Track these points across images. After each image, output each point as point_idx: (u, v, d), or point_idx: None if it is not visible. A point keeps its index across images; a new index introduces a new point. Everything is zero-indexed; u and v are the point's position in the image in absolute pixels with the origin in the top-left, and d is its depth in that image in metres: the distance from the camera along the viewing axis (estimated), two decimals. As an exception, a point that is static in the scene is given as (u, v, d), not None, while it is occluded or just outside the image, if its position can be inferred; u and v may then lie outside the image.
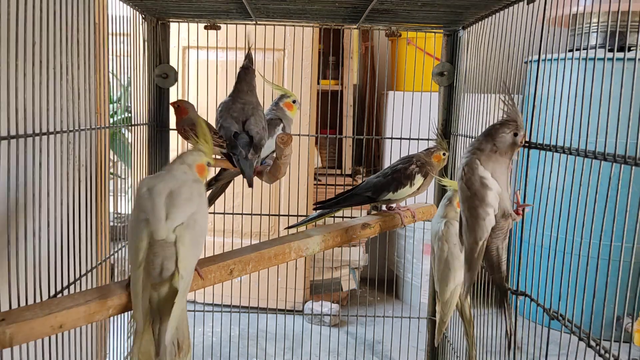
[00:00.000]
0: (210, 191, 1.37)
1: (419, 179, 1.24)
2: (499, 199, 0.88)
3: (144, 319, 0.74)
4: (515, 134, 0.89)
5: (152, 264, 0.75)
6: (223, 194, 1.45)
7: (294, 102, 1.29)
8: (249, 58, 1.20)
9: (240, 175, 1.27)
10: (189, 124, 1.25)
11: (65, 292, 0.97)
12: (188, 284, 0.77)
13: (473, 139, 1.25)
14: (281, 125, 1.27)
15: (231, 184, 1.51)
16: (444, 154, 1.30)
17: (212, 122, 1.26)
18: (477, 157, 0.90)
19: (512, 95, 0.92)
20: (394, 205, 1.30)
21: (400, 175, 1.24)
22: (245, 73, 1.18)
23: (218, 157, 1.26)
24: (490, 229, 0.89)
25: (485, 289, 1.22)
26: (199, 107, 1.36)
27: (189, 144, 1.22)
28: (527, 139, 1.00)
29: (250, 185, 1.05)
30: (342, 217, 1.46)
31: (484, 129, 1.19)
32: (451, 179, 1.47)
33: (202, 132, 0.90)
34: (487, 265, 0.95)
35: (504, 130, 0.90)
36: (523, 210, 0.94)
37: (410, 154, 1.33)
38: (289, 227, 1.35)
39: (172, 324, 0.73)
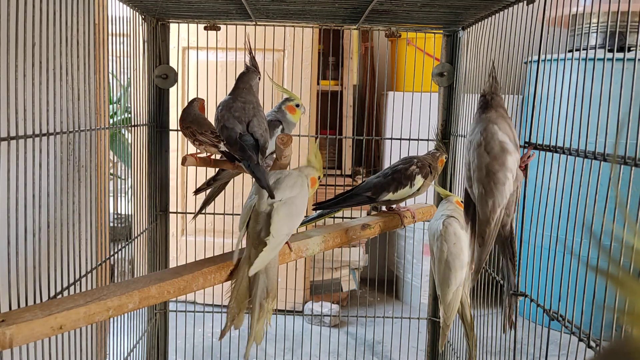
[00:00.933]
0: (209, 191, 1.37)
1: (419, 180, 1.24)
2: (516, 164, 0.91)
3: (243, 269, 0.96)
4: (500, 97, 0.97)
5: (253, 229, 0.97)
6: (222, 193, 1.45)
7: (297, 105, 1.27)
8: (251, 61, 1.20)
9: (240, 176, 1.28)
10: (190, 121, 1.25)
11: (66, 293, 0.97)
12: (278, 244, 0.96)
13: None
14: (280, 127, 1.26)
15: (231, 185, 1.51)
16: (445, 157, 1.31)
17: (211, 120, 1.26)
18: (492, 123, 0.91)
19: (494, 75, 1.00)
20: (394, 205, 1.30)
21: (401, 176, 1.24)
22: (244, 73, 1.18)
23: (217, 156, 1.26)
24: (509, 197, 0.90)
25: (485, 289, 1.23)
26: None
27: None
28: (527, 140, 1.01)
29: (272, 196, 1.03)
30: (342, 217, 1.46)
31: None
32: (451, 179, 1.47)
33: (314, 150, 1.08)
34: (499, 241, 0.95)
35: (499, 96, 0.96)
36: (526, 167, 0.97)
37: (411, 154, 1.33)
38: None
39: (258, 264, 0.92)
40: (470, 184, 0.95)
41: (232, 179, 1.38)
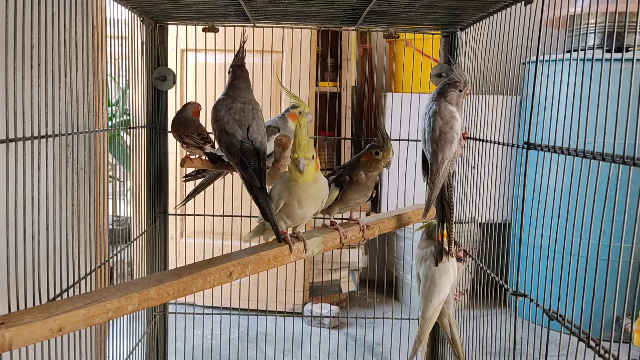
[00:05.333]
0: (199, 181, 1.37)
1: (333, 190, 1.13)
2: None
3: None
4: (460, 90, 1.17)
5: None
6: (221, 196, 1.45)
7: (300, 113, 1.22)
8: (241, 56, 1.17)
9: (238, 178, 1.27)
10: (177, 124, 1.26)
11: (65, 295, 0.97)
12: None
13: (472, 140, 1.26)
14: (277, 134, 1.25)
15: (229, 187, 1.51)
16: (376, 153, 1.12)
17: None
18: (445, 101, 1.16)
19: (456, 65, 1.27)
20: (335, 218, 1.21)
21: None
22: (242, 70, 1.16)
23: (200, 155, 1.25)
24: (454, 153, 1.14)
25: (486, 289, 1.23)
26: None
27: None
28: (526, 140, 1.01)
29: (279, 240, 1.01)
30: (342, 219, 1.46)
31: (482, 130, 1.21)
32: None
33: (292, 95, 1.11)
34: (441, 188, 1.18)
35: (452, 89, 1.16)
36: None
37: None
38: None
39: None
40: (424, 145, 1.18)
41: (231, 181, 1.38)
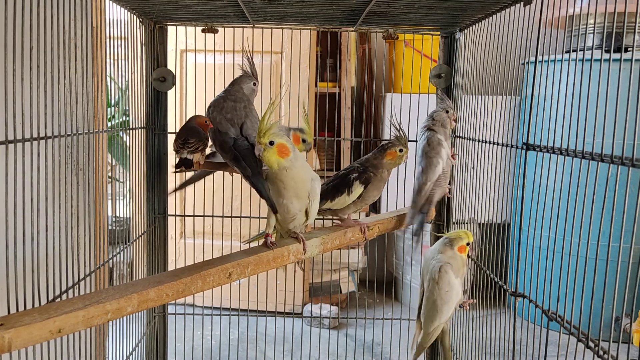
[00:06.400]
0: (190, 175, 1.37)
1: (357, 187, 1.16)
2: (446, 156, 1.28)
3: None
4: (447, 112, 1.31)
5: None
6: (221, 197, 1.45)
7: (303, 141, 1.18)
8: (250, 67, 1.20)
9: (238, 180, 1.27)
10: (180, 133, 1.26)
11: (64, 297, 0.97)
12: (316, 209, 1.06)
13: (471, 141, 1.26)
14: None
15: (229, 187, 1.51)
16: (400, 150, 1.19)
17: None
18: (434, 131, 1.29)
19: (441, 91, 1.43)
20: (345, 216, 1.23)
21: (340, 182, 1.17)
22: (238, 77, 1.19)
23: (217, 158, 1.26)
24: (438, 176, 1.26)
25: (486, 289, 1.23)
26: (197, 111, 1.36)
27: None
28: (525, 140, 1.01)
29: (275, 211, 1.02)
30: (332, 219, 1.46)
31: (481, 130, 1.21)
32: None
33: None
34: (426, 201, 1.28)
35: (441, 112, 1.30)
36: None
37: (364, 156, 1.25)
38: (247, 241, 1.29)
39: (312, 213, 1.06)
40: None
41: (231, 181, 1.38)
